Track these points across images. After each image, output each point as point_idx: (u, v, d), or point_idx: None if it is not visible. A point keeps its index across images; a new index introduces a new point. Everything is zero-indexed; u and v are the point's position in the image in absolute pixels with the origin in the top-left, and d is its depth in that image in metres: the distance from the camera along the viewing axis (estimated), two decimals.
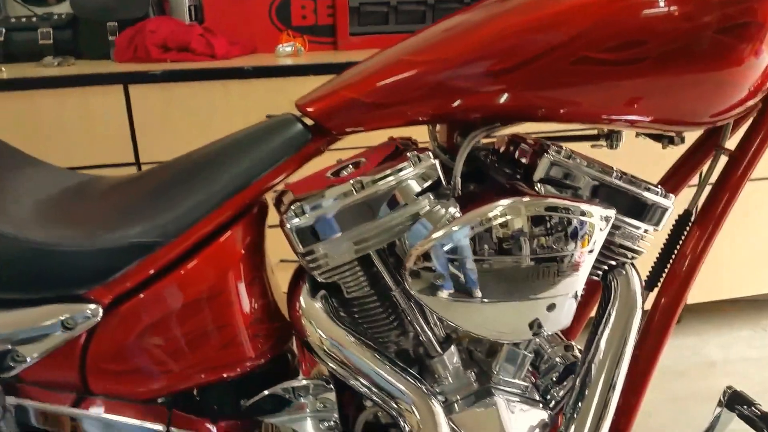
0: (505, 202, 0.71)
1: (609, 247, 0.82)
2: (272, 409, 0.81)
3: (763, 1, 0.74)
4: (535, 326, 0.76)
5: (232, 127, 0.81)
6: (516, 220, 0.71)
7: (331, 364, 0.77)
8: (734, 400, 0.83)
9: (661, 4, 0.72)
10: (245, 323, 0.77)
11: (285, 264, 0.87)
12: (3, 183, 0.77)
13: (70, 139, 1.52)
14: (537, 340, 0.89)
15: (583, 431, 0.81)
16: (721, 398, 0.85)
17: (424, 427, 0.75)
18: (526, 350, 0.84)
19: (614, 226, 0.79)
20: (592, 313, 0.95)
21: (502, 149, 0.87)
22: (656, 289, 0.94)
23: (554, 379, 0.89)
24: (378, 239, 0.74)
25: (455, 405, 0.82)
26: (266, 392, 0.80)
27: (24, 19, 1.83)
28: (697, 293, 1.96)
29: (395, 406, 0.75)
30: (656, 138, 0.89)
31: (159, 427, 0.73)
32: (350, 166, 0.80)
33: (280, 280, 0.86)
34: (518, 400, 0.84)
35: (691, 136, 0.95)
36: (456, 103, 0.74)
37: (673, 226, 0.94)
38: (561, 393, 0.89)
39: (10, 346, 0.65)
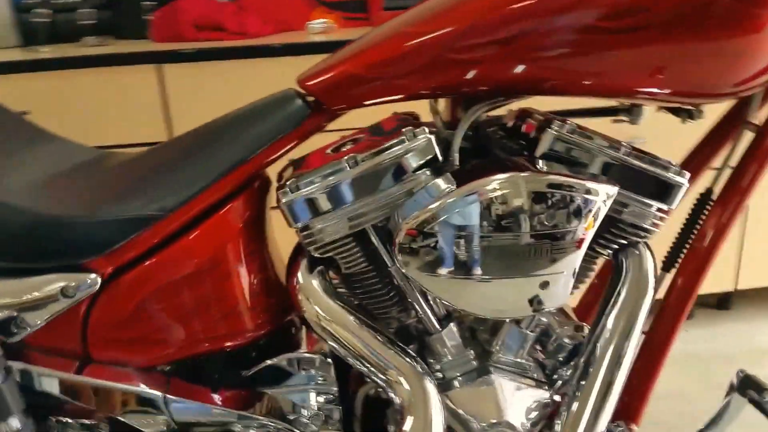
0: (499, 176, 0.69)
1: (618, 226, 0.79)
2: (273, 381, 0.83)
3: None
4: (535, 303, 0.75)
5: None
6: (510, 195, 0.69)
7: (326, 339, 0.77)
8: (746, 385, 0.79)
9: None
10: (244, 296, 0.78)
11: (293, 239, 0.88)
12: (18, 157, 0.81)
13: (105, 117, 1.57)
14: (545, 319, 0.88)
15: (584, 410, 0.80)
16: (733, 382, 0.82)
17: (415, 399, 0.75)
18: (529, 329, 0.83)
19: (622, 204, 0.77)
20: None
21: (510, 124, 0.85)
22: (673, 271, 0.91)
23: (561, 359, 0.87)
24: (372, 215, 0.74)
25: (453, 382, 0.81)
26: (267, 362, 0.82)
27: (66, 1, 1.89)
28: (749, 278, 1.90)
29: (386, 378, 0.76)
30: (675, 112, 0.86)
31: (157, 393, 0.75)
32: (350, 142, 0.79)
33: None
34: (518, 379, 0.83)
35: (716, 111, 0.91)
36: (456, 76, 0.72)
37: (693, 205, 0.90)
38: (568, 373, 0.87)
39: (13, 313, 0.69)
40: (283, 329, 0.86)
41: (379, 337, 0.77)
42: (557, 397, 0.84)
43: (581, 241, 0.72)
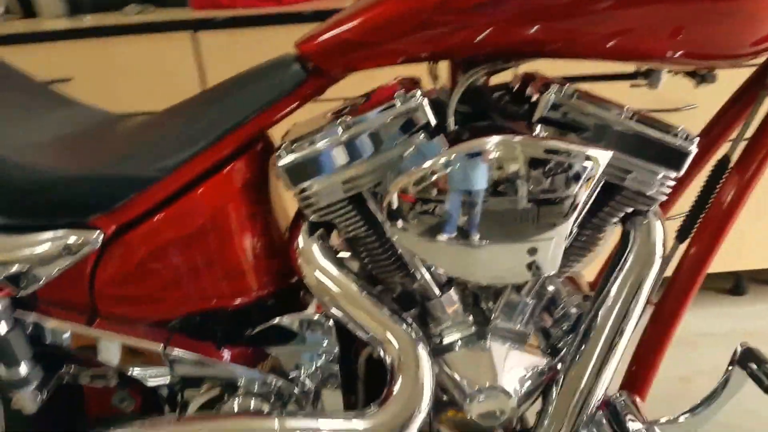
0: (487, 140, 0.68)
1: (622, 193, 0.77)
2: (276, 340, 0.85)
3: None
4: (534, 268, 0.74)
5: None
6: (498, 159, 0.68)
7: (324, 302, 0.79)
8: (747, 358, 0.76)
9: None
10: (245, 256, 0.80)
11: None
12: (35, 121, 0.85)
13: (143, 84, 1.62)
14: (552, 287, 0.87)
15: (582, 377, 0.79)
16: (734, 355, 0.79)
17: (406, 362, 0.76)
18: (529, 297, 0.82)
19: (625, 170, 0.74)
20: None
21: (515, 88, 0.83)
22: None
23: (565, 328, 0.86)
24: (366, 179, 0.74)
25: (451, 346, 0.82)
26: (272, 321, 0.84)
27: None
28: None
29: (379, 341, 0.77)
30: (690, 74, 0.82)
31: (157, 346, 0.79)
32: (351, 107, 0.80)
33: None
34: (516, 345, 0.82)
35: (736, 78, 0.87)
36: (451, 37, 0.71)
37: (710, 172, 0.86)
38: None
39: (22, 267, 0.73)
40: (291, 291, 0.88)
41: (375, 302, 0.78)
42: (560, 366, 0.84)
43: (572, 206, 0.70)
